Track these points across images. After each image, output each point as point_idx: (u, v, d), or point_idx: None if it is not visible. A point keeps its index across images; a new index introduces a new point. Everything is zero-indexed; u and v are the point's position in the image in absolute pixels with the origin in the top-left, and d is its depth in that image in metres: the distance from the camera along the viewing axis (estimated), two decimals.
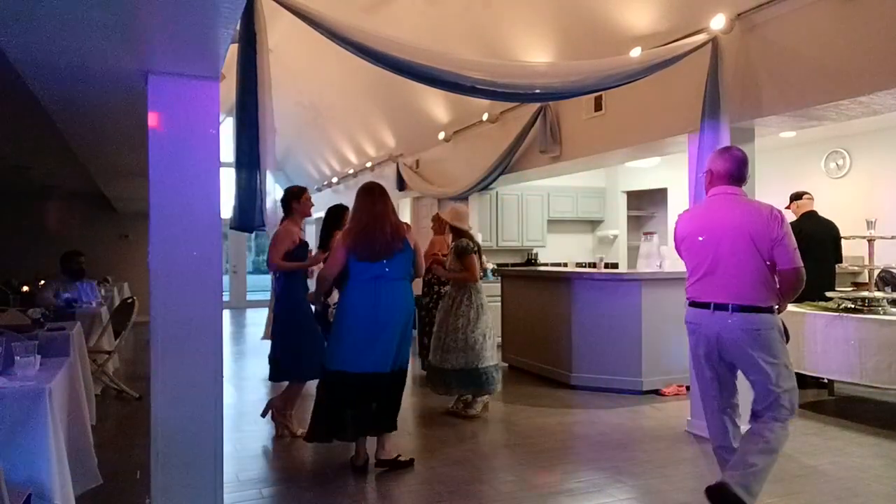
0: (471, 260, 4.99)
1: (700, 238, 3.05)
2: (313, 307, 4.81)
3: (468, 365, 4.97)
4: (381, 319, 3.70)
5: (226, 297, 15.00)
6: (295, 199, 4.55)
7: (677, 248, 3.26)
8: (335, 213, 5.18)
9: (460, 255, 5.02)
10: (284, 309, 4.55)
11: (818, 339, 4.92)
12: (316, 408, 3.83)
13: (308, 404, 4.41)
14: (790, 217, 6.28)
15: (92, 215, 12.35)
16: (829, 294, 5.19)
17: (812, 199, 6.16)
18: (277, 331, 4.59)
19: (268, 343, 5.06)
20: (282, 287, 4.58)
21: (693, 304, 3.10)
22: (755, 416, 3.00)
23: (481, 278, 5.21)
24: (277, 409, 4.64)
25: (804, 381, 5.75)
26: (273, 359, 4.59)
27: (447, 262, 5.19)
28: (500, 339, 7.43)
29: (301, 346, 4.47)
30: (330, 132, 11.58)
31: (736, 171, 3.06)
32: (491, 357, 5.06)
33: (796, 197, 6.15)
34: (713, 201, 3.11)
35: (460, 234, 5.14)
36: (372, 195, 3.81)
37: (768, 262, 2.93)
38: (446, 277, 5.08)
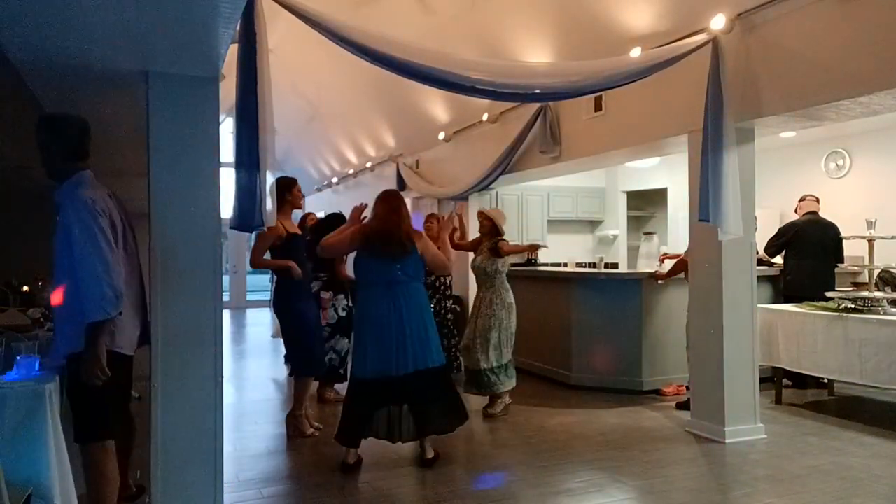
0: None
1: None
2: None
3: (473, 366, 5.25)
4: (401, 321, 3.81)
5: (226, 297, 14.99)
6: (287, 191, 4.48)
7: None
8: (332, 222, 5.21)
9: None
10: (279, 308, 4.62)
11: (818, 339, 4.92)
12: (344, 409, 3.95)
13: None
14: (793, 217, 6.34)
15: None
16: (829, 294, 5.19)
17: (815, 200, 6.19)
18: (281, 329, 4.74)
19: (273, 341, 5.16)
20: (276, 285, 4.63)
21: None
22: None
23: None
24: (293, 414, 4.66)
25: (804, 381, 5.77)
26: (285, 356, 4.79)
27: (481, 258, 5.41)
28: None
29: (299, 342, 4.54)
30: (330, 132, 11.56)
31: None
32: (486, 360, 5.21)
33: (801, 199, 6.31)
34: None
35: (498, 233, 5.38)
36: (395, 199, 4.03)
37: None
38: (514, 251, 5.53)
